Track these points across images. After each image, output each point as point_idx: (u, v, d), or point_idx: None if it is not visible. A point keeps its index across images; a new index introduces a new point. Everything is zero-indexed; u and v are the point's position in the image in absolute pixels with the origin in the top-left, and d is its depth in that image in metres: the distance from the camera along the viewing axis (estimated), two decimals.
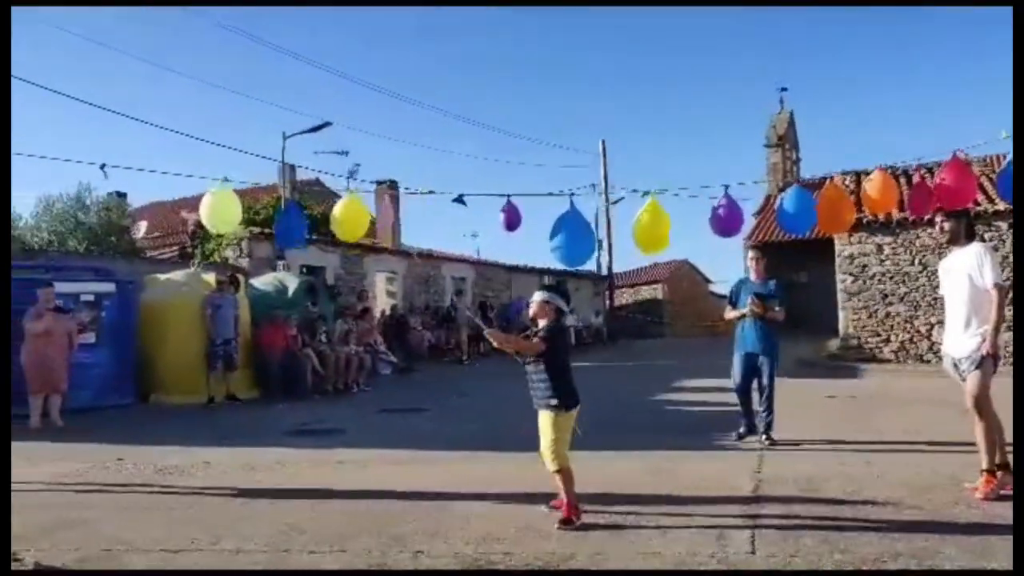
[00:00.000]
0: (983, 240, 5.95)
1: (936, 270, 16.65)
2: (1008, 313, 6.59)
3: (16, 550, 4.39)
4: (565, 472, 5.10)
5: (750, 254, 8.27)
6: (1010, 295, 6.00)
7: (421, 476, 6.77)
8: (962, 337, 5.64)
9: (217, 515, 5.54)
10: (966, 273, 5.64)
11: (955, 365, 5.74)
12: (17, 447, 8.34)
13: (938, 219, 6.09)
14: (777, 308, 7.86)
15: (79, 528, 5.25)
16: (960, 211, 6.19)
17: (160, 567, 4.35)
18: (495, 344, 5.29)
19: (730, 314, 8.18)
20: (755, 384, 8.03)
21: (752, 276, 8.17)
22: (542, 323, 5.31)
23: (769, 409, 7.89)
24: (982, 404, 5.52)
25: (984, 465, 5.55)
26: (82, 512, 5.71)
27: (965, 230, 5.91)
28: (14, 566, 3.79)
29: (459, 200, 9.61)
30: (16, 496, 6.22)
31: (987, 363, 5.51)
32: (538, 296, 5.40)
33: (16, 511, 5.70)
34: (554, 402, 5.13)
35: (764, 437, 7.79)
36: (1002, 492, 5.39)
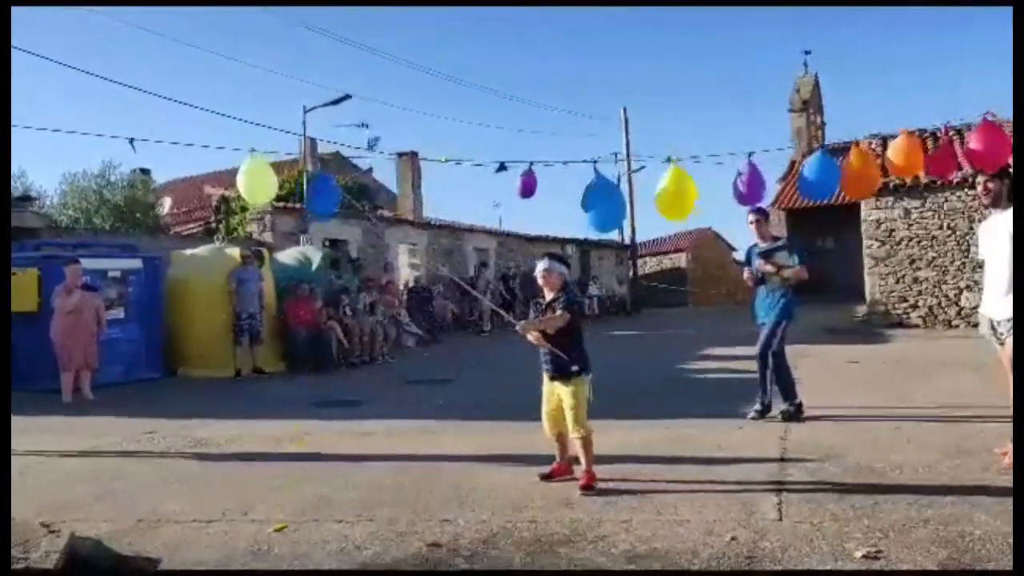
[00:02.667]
0: None
1: (965, 233, 16.56)
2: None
3: (52, 521, 4.46)
4: (588, 439, 5.17)
5: (749, 217, 7.78)
6: None
7: (446, 446, 6.81)
8: (1004, 300, 5.49)
9: (247, 486, 5.61)
10: (1008, 235, 5.50)
11: (993, 327, 5.61)
12: (50, 422, 8.53)
13: (980, 179, 5.94)
14: (791, 265, 7.45)
15: (112, 500, 5.33)
16: (1002, 171, 6.04)
17: (192, 538, 4.41)
18: (531, 337, 5.29)
19: (746, 276, 7.83)
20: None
21: (755, 239, 7.81)
22: (549, 293, 5.41)
23: (776, 381, 7.49)
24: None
25: None
26: (115, 484, 5.80)
27: (1008, 192, 5.78)
28: (49, 537, 3.85)
29: (502, 168, 9.76)
30: (50, 469, 6.36)
31: None
32: (540, 266, 5.48)
33: (51, 484, 5.83)
34: (574, 368, 5.20)
35: (778, 411, 7.41)
36: None
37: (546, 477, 5.38)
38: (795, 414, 7.32)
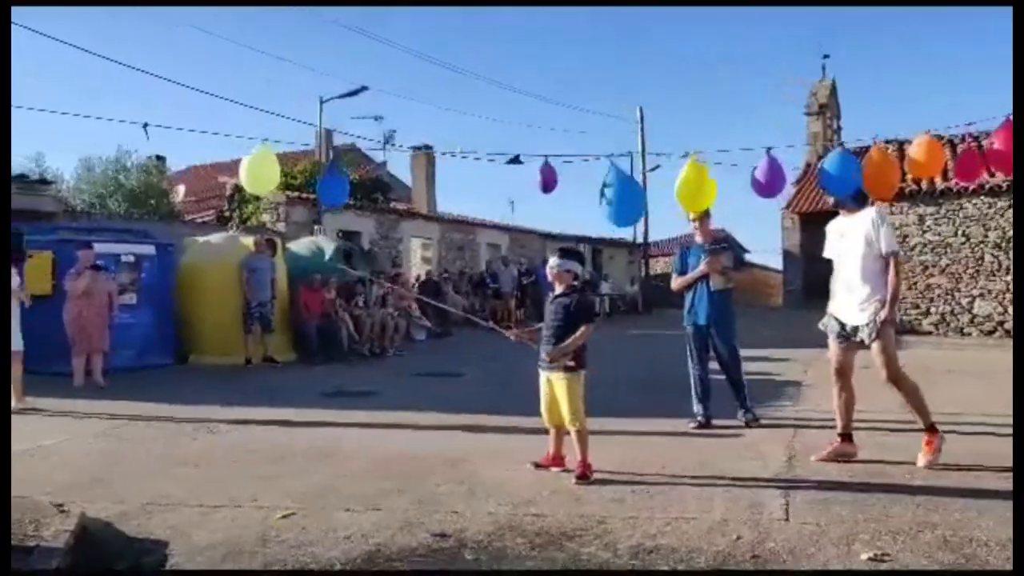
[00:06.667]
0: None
1: (980, 241, 16.52)
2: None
3: (63, 502, 4.50)
4: (583, 432, 5.29)
5: (691, 215, 7.41)
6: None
7: (455, 439, 6.82)
8: (861, 307, 5.63)
9: (255, 473, 5.64)
10: (863, 239, 5.63)
11: (849, 331, 5.73)
12: (62, 404, 8.58)
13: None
14: (732, 267, 7.36)
15: (120, 483, 5.37)
16: None
17: (198, 523, 4.44)
18: (566, 360, 5.32)
19: (679, 282, 7.52)
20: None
21: (698, 238, 7.52)
22: (559, 288, 5.50)
23: (736, 384, 7.37)
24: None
25: (922, 425, 5.63)
26: (124, 467, 5.85)
27: (854, 195, 5.92)
28: (60, 517, 3.89)
29: (515, 160, 9.75)
30: (61, 451, 6.41)
31: (887, 330, 5.54)
32: (553, 263, 5.56)
33: (61, 466, 5.88)
34: (572, 363, 5.29)
35: (743, 414, 7.26)
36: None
37: (538, 466, 5.50)
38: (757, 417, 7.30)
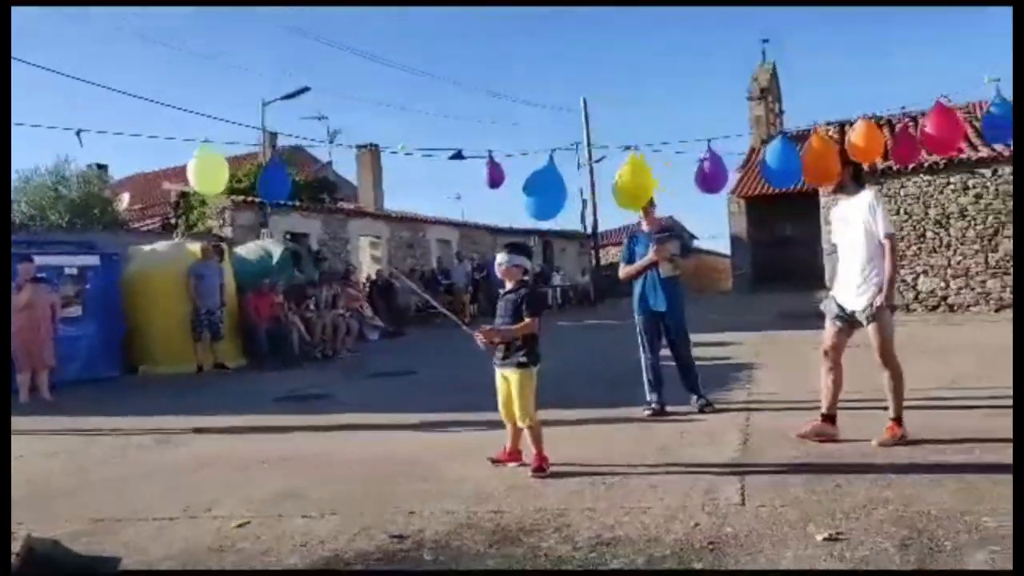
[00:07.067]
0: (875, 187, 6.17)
1: (921, 219, 16.82)
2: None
3: (9, 523, 4.39)
4: (537, 427, 5.29)
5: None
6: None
7: (413, 439, 6.79)
8: (859, 291, 5.71)
9: (209, 482, 5.55)
10: (861, 221, 5.71)
11: (847, 313, 5.82)
12: None
13: None
14: (679, 254, 7.39)
15: (71, 499, 5.26)
16: (843, 158, 6.25)
17: (152, 536, 4.36)
18: (495, 341, 5.36)
19: (627, 270, 7.55)
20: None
21: (644, 226, 7.57)
22: (509, 284, 5.47)
23: (689, 369, 7.45)
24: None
25: (891, 414, 5.69)
26: (73, 484, 5.73)
27: (852, 177, 6.01)
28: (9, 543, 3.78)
29: (457, 156, 9.64)
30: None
31: (884, 313, 5.62)
32: (502, 259, 5.51)
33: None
34: (524, 360, 5.28)
35: (696, 400, 7.33)
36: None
37: (496, 461, 5.48)
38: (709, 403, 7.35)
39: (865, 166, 6.96)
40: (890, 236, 5.61)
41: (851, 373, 5.96)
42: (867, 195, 5.87)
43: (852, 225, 5.79)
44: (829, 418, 5.84)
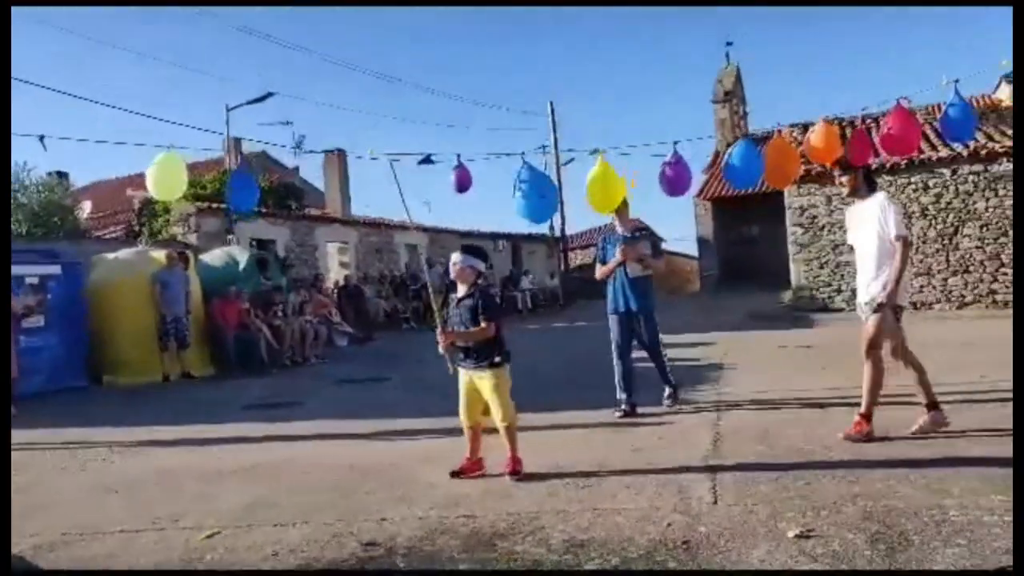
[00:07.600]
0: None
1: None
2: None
3: None
4: (512, 427, 5.26)
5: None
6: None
7: (383, 445, 6.76)
8: (871, 284, 5.77)
9: (178, 493, 5.48)
10: (875, 221, 5.77)
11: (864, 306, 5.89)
12: None
13: (836, 174, 6.24)
14: (651, 255, 7.49)
15: (37, 513, 5.15)
16: (842, 163, 6.32)
17: (121, 549, 4.29)
18: (457, 341, 5.32)
19: (602, 270, 7.57)
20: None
21: (619, 228, 7.62)
22: (462, 288, 5.41)
23: (663, 369, 7.57)
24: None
25: (862, 409, 5.75)
26: (40, 497, 5.62)
27: (863, 180, 6.06)
28: None
29: (427, 160, 9.59)
30: None
31: (884, 311, 5.67)
32: (456, 259, 5.42)
33: None
34: (497, 359, 5.25)
35: (667, 398, 7.50)
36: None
37: (456, 474, 5.36)
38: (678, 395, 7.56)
39: (828, 166, 7.03)
40: (901, 238, 5.64)
41: (809, 370, 6.01)
42: (880, 197, 5.92)
43: (865, 227, 5.85)
44: (933, 405, 5.73)
